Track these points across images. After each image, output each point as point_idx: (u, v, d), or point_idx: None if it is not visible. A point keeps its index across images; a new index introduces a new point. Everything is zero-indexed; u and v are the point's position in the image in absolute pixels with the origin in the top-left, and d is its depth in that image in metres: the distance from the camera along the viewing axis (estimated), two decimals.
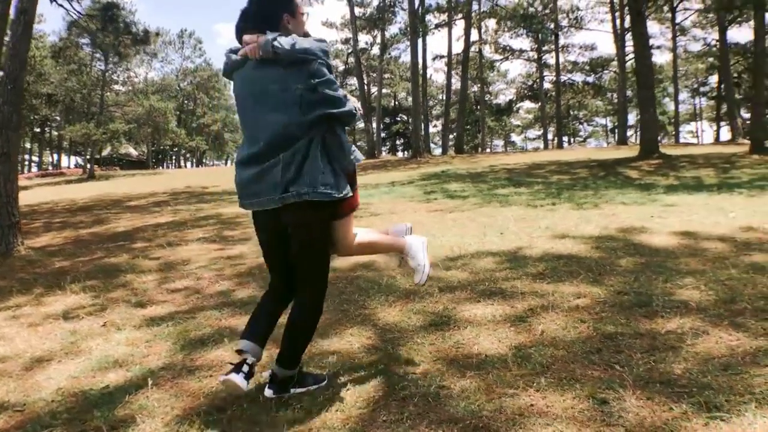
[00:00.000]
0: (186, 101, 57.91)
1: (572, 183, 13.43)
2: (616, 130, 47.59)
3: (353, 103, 2.51)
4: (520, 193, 11.17)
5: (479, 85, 47.62)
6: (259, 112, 2.41)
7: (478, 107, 46.74)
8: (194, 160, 64.75)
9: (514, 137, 68.77)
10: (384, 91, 48.02)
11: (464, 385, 2.60)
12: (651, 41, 17.11)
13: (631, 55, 37.07)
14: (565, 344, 3.05)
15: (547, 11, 41.60)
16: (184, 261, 6.09)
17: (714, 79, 40.52)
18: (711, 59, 37.56)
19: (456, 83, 39.37)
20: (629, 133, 43.71)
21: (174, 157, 64.88)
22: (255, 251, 6.43)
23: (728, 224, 5.92)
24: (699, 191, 9.53)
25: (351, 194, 2.54)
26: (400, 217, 9.09)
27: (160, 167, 54.11)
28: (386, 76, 47.88)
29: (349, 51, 47.65)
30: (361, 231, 2.81)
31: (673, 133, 43.15)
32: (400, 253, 2.98)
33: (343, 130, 2.55)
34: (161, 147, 54.99)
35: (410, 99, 55.11)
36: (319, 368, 2.95)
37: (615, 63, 42.35)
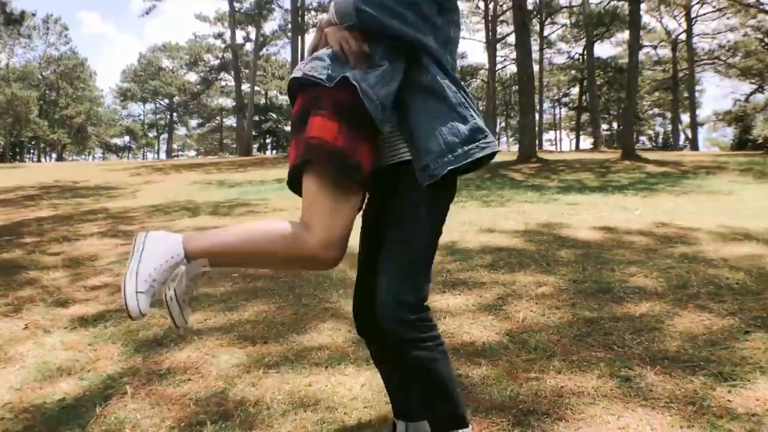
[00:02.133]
0: (48, 91, 52.63)
1: (463, 183, 13.84)
2: None
3: None
4: None
5: None
6: None
7: None
8: (54, 155, 59.06)
9: None
10: (255, 88, 47.05)
11: (482, 372, 2.51)
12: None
13: (500, 65, 39.36)
14: (553, 329, 3.07)
15: None
16: (91, 257, 5.46)
17: (575, 90, 44.02)
18: (573, 72, 40.79)
19: None
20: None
21: (32, 151, 58.74)
22: None
23: (639, 220, 6.36)
24: (593, 192, 10.23)
25: None
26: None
27: (16, 161, 48.61)
28: (258, 73, 47.04)
29: (224, 46, 46.39)
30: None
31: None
32: None
33: None
34: (20, 139, 49.53)
35: (281, 97, 54.45)
36: (314, 364, 2.72)
37: (483, 71, 44.60)
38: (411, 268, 1.57)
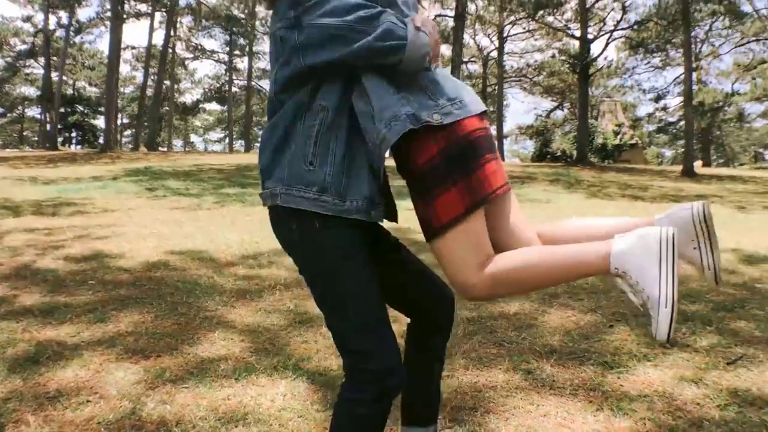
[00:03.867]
0: None
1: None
2: None
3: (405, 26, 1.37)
4: (253, 194, 11.08)
5: (169, 82, 45.75)
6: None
7: (166, 104, 45.12)
8: None
9: (194, 138, 66.66)
10: (63, 78, 42.59)
11: None
12: None
13: None
14: None
15: (243, 16, 41.94)
16: None
17: None
18: None
19: (142, 77, 37.18)
20: None
21: None
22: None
23: None
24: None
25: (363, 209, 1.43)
26: (140, 214, 8.30)
27: None
28: (68, 62, 42.83)
29: (34, 30, 41.87)
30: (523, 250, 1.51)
31: None
32: (605, 274, 1.43)
33: (380, 81, 1.41)
34: None
35: (89, 89, 50.02)
36: (222, 377, 2.62)
37: None
38: None
